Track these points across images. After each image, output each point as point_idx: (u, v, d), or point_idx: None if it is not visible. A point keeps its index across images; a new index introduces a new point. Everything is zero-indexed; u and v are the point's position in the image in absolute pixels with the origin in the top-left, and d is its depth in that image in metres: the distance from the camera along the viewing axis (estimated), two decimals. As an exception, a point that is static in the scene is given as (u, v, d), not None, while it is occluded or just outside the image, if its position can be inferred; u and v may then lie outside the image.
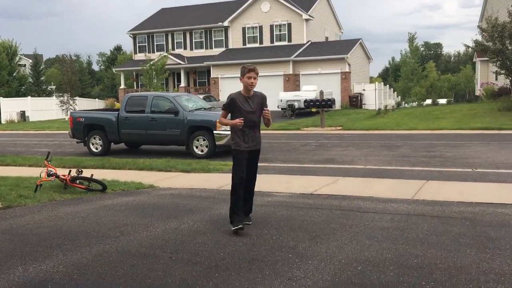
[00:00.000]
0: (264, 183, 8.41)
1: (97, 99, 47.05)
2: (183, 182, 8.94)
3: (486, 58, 24.16)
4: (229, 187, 8.07)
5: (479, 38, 22.61)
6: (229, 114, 5.35)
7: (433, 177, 8.56)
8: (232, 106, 5.27)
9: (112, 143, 14.41)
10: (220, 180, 8.83)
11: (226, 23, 37.59)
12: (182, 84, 39.18)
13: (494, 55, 21.69)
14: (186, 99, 14.10)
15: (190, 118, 13.06)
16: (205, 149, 12.87)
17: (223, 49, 38.58)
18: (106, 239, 5.03)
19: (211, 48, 39.68)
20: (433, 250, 4.38)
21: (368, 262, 4.11)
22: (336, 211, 6.15)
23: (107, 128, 14.08)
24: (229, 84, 34.69)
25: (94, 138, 14.29)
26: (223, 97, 34.61)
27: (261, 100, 5.38)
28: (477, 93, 31.32)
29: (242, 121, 5.12)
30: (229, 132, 12.45)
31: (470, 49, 25.27)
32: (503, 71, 22.38)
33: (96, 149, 14.24)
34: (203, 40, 40.16)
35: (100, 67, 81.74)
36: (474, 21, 35.00)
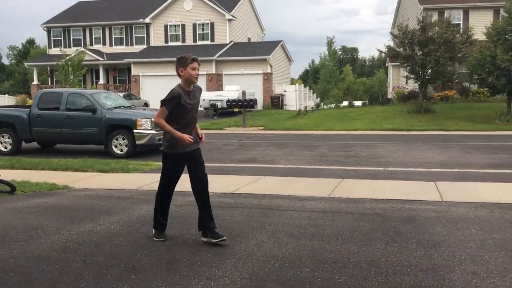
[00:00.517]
0: (184, 182, 8.32)
1: (7, 95, 43.94)
2: (101, 182, 8.61)
3: (398, 63, 25.66)
4: (149, 187, 7.93)
5: (391, 44, 23.94)
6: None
7: (348, 176, 8.94)
8: (176, 103, 4.51)
9: (23, 141, 13.60)
10: (139, 180, 8.61)
11: (147, 20, 36.71)
12: (101, 81, 37.72)
13: (404, 60, 23.08)
14: (104, 97, 13.59)
15: (109, 117, 12.61)
16: (125, 149, 12.48)
17: (145, 46, 37.67)
18: (13, 244, 4.71)
19: (132, 45, 38.58)
20: (346, 245, 4.58)
21: (285, 259, 4.21)
22: (256, 209, 6.22)
23: (17, 126, 13.23)
24: (150, 83, 33.92)
25: (3, 137, 13.37)
26: (144, 96, 33.80)
27: (200, 93, 4.86)
28: (389, 96, 33.19)
29: (192, 140, 4.56)
30: (150, 132, 12.34)
31: (383, 54, 26.70)
32: (412, 76, 23.90)
33: (5, 148, 13.34)
34: (124, 36, 38.94)
35: (11, 61, 76.48)
36: (388, 27, 37.29)
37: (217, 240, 4.59)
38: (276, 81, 34.75)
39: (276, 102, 32.65)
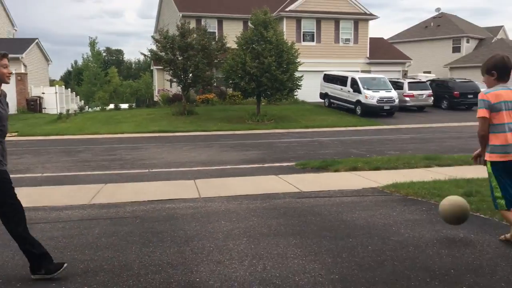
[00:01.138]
0: None
1: None
2: None
3: (161, 67, 26.25)
4: None
5: (154, 47, 24.35)
6: None
7: (112, 180, 8.75)
8: None
9: None
10: None
11: None
12: None
13: (167, 64, 23.76)
14: None
15: None
16: None
17: None
18: None
19: None
20: (100, 252, 4.47)
21: (26, 279, 3.86)
22: (1, 226, 5.54)
23: None
24: None
25: None
26: None
27: (5, 98, 3.87)
28: (156, 98, 33.74)
29: None
30: None
31: (147, 57, 26.96)
32: (175, 79, 24.78)
33: None
34: None
35: None
36: (151, 31, 37.85)
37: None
38: (32, 82, 31.63)
39: (33, 105, 29.72)
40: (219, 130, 19.64)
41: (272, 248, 4.51)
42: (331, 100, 27.27)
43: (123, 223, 5.57)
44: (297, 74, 22.71)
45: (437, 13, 44.89)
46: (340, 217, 5.70)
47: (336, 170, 9.32)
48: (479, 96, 4.35)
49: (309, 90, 28.15)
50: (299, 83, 22.82)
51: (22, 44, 32.33)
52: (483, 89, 4.67)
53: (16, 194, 3.79)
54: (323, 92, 28.05)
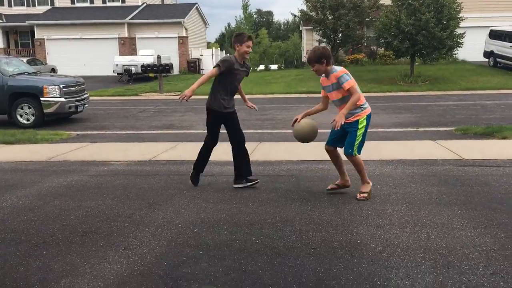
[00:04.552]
0: (100, 151, 8.05)
1: None
2: (5, 154, 8.06)
3: (311, 27, 26.15)
4: (60, 158, 7.57)
5: (305, 8, 24.31)
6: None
7: (265, 139, 9.13)
8: (228, 69, 5.25)
9: None
10: (49, 151, 8.17)
11: (50, -22, 34.11)
12: (1, 45, 34.71)
13: (317, 24, 23.61)
14: (5, 63, 12.56)
15: (12, 84, 11.72)
16: (32, 118, 11.74)
17: (49, 7, 35.01)
18: None
19: (34, 5, 35.71)
20: (263, 207, 4.73)
21: (204, 223, 4.27)
22: (174, 176, 6.20)
23: None
24: (57, 47, 31.79)
25: None
26: (51, 61, 31.68)
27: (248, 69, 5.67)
28: (304, 59, 33.90)
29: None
30: (59, 99, 11.66)
31: (296, 18, 27.03)
32: (324, 40, 24.56)
33: None
34: (24, -5, 35.88)
35: None
36: (302, -9, 37.78)
37: (252, 183, 5.48)
38: (192, 45, 34.07)
39: (193, 66, 32.13)
40: (368, 92, 19.00)
41: (435, 217, 4.30)
42: (497, 59, 24.49)
43: (280, 181, 5.80)
44: (458, 31, 20.73)
45: None
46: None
47: (504, 138, 8.43)
48: None
49: (471, 48, 25.63)
50: (461, 41, 20.83)
51: (183, 9, 34.82)
52: None
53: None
54: (488, 50, 25.28)
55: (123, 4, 34.30)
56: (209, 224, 4.25)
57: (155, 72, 23.35)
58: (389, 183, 5.53)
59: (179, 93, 20.77)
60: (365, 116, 4.88)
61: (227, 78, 5.32)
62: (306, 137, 5.26)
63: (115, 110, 15.32)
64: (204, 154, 5.64)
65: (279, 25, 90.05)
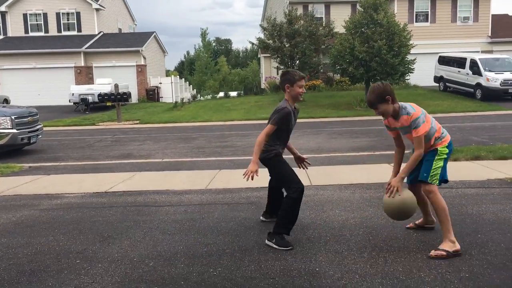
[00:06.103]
0: (53, 183, 7.77)
1: None
2: (-50, 191, 7.64)
3: (269, 55, 26.56)
4: (9, 192, 7.25)
5: (262, 36, 24.72)
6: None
7: (225, 166, 9.07)
8: (286, 122, 4.49)
9: None
10: (-2, 185, 7.81)
11: (3, 8, 33.31)
12: (-51, 75, 33.44)
13: (274, 52, 23.99)
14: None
15: (-42, 116, 11.25)
16: (-20, 151, 11.25)
17: (1, 37, 34.16)
18: None
19: (-15, 35, 34.75)
20: (221, 236, 4.65)
21: (160, 256, 4.14)
22: (131, 207, 6.03)
23: None
24: (10, 77, 30.89)
25: None
26: (4, 91, 30.72)
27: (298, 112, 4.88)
28: (263, 86, 34.31)
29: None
30: (10, 131, 11.25)
31: (254, 45, 27.45)
32: (282, 67, 24.94)
33: None
34: (-25, 25, 34.89)
35: None
36: (259, 20, 38.46)
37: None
38: (150, 73, 33.89)
39: (152, 94, 31.91)
40: (326, 117, 19.39)
41: (392, 240, 4.35)
42: (447, 84, 25.57)
43: (239, 209, 5.74)
44: (409, 57, 21.59)
45: None
46: (464, 210, 5.32)
47: (455, 159, 8.72)
48: None
49: (422, 73, 26.69)
50: (412, 67, 21.69)
51: (141, 37, 34.74)
52: None
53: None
54: (438, 75, 26.38)
55: (79, 33, 33.89)
56: (165, 257, 4.13)
57: (113, 101, 22.99)
58: (347, 208, 5.58)
59: (138, 121, 20.56)
60: (446, 144, 4.20)
61: (283, 129, 4.56)
62: (406, 215, 4.22)
63: (70, 141, 14.92)
64: (298, 207, 4.40)
65: (238, 52, 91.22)
